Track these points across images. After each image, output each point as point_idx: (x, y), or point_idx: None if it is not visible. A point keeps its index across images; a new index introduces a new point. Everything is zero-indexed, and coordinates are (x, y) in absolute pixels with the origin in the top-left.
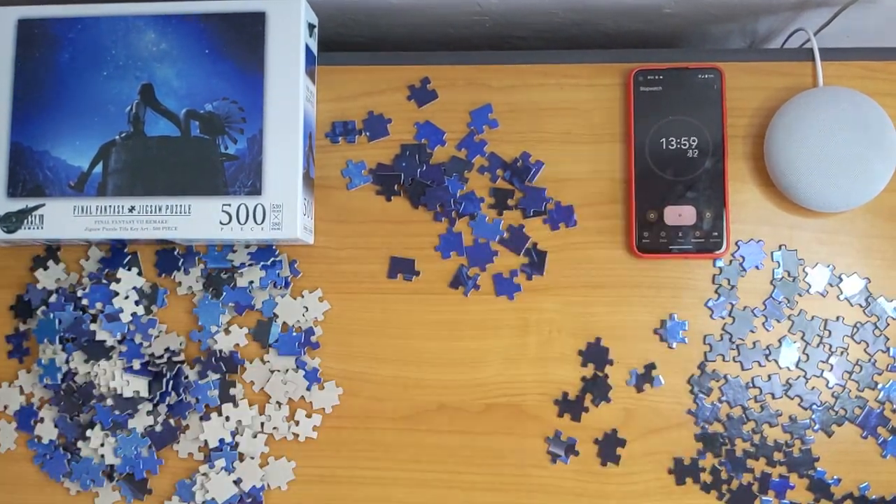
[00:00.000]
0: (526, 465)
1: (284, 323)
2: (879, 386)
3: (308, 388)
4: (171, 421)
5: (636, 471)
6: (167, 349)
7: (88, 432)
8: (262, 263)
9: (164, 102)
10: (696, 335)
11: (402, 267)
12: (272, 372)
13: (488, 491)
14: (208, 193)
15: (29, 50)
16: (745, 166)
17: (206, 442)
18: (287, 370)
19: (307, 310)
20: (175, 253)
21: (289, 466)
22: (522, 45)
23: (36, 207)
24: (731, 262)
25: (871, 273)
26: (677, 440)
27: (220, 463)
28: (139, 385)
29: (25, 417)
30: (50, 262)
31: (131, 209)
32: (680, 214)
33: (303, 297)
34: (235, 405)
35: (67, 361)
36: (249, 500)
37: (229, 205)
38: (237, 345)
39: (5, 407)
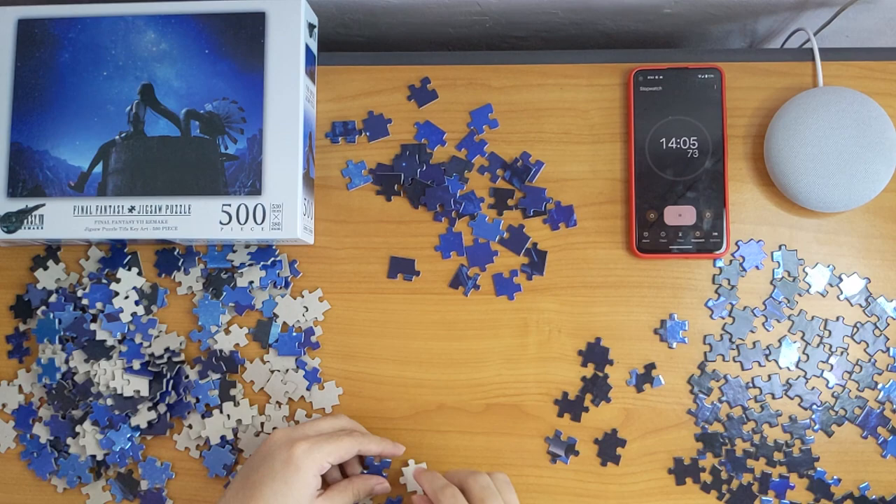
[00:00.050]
0: (526, 465)
1: (284, 323)
2: (879, 386)
3: (308, 388)
4: (169, 419)
5: (636, 471)
6: (167, 349)
7: (78, 428)
8: (262, 263)
9: (164, 102)
10: (696, 335)
11: (402, 267)
12: (272, 372)
13: None
14: (208, 193)
15: (29, 50)
16: (745, 166)
17: (207, 440)
18: (287, 370)
19: (307, 310)
20: (175, 253)
21: None
22: (522, 45)
23: (36, 207)
24: (731, 262)
25: (871, 273)
26: (677, 440)
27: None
28: (139, 385)
29: (24, 417)
30: (50, 262)
31: (131, 209)
32: (680, 214)
33: (303, 297)
34: (236, 405)
35: (67, 361)
36: None
37: (229, 205)
38: (237, 345)
39: (3, 406)
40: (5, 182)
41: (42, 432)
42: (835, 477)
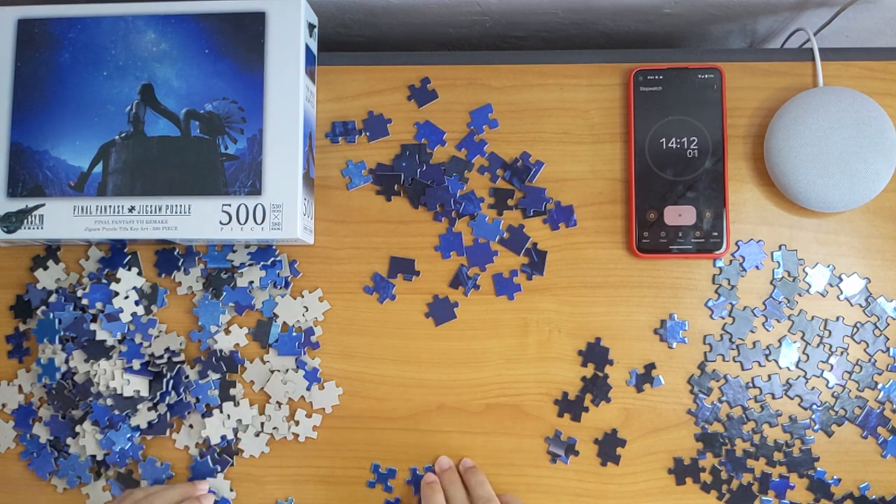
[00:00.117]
0: (526, 465)
1: (284, 323)
2: (879, 386)
3: (308, 388)
4: (169, 419)
5: (636, 471)
6: (167, 349)
7: (78, 428)
8: (262, 263)
9: (164, 102)
10: (696, 335)
11: (402, 267)
12: (272, 372)
13: None
14: (208, 193)
15: (29, 50)
16: (745, 166)
17: (207, 439)
18: (287, 370)
19: (307, 310)
20: (175, 253)
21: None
22: (522, 45)
23: (36, 207)
24: (731, 262)
25: (871, 273)
26: (677, 440)
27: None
28: (139, 385)
29: (24, 417)
30: (50, 262)
31: (131, 209)
32: (680, 214)
33: (303, 297)
34: (236, 405)
35: (67, 361)
36: None
37: (229, 205)
38: (237, 345)
39: (3, 406)
40: (5, 182)
41: (42, 432)
42: (835, 477)
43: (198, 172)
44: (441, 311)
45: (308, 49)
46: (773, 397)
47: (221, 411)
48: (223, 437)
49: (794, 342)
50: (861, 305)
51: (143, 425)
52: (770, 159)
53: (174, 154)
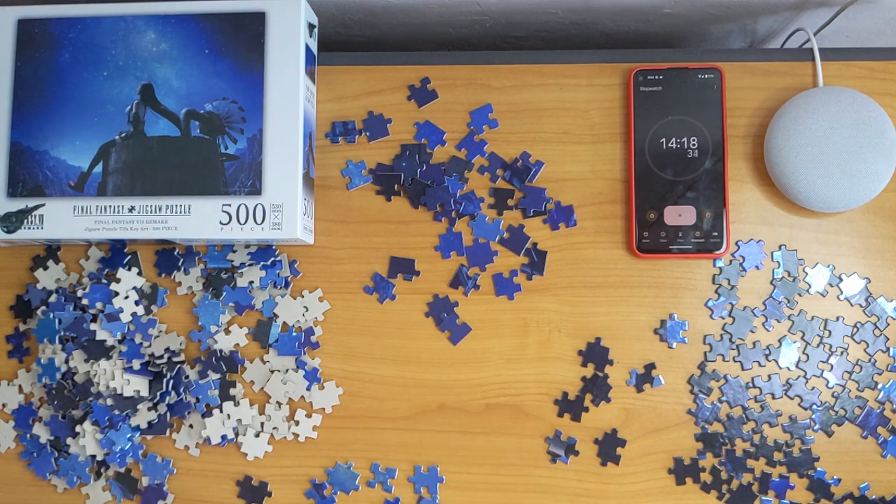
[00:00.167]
0: (526, 465)
1: (284, 323)
2: (879, 386)
3: (308, 388)
4: (169, 419)
5: (636, 471)
6: (167, 349)
7: (78, 428)
8: (262, 263)
9: (164, 102)
10: (696, 335)
11: (402, 267)
12: (272, 372)
13: (488, 491)
14: (208, 193)
15: (29, 50)
16: (745, 166)
17: (207, 439)
18: (287, 370)
19: (307, 310)
20: (175, 253)
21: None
22: (522, 45)
23: (36, 207)
24: (731, 262)
25: (871, 273)
26: (677, 440)
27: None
28: (139, 385)
29: (24, 417)
30: (50, 262)
31: (131, 209)
32: (680, 214)
33: (303, 297)
34: (236, 404)
35: (67, 361)
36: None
37: (229, 205)
38: (237, 344)
39: (3, 406)
40: (5, 182)
41: (42, 432)
42: (835, 477)
43: (198, 172)
44: (441, 311)
45: (308, 49)
46: (773, 397)
47: (221, 411)
48: (223, 437)
49: (794, 342)
50: (861, 305)
51: (143, 425)
52: (770, 159)
53: (174, 154)
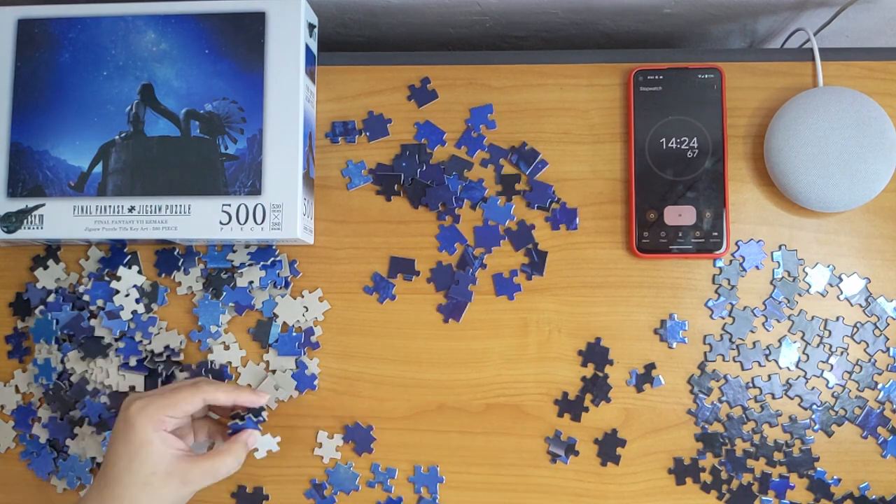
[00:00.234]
0: (526, 465)
1: (284, 323)
2: (879, 386)
3: (300, 391)
4: None
5: (636, 471)
6: (167, 346)
7: (77, 430)
8: (262, 263)
9: (164, 102)
10: (696, 335)
11: (402, 267)
12: (266, 373)
13: (488, 491)
14: (208, 193)
15: (29, 50)
16: (745, 166)
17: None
18: (286, 370)
19: (307, 310)
20: (175, 253)
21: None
22: (522, 45)
23: (36, 207)
24: (731, 262)
25: (871, 273)
26: (677, 440)
27: None
28: (135, 381)
29: (23, 417)
30: (50, 262)
31: (131, 209)
32: (680, 214)
33: (303, 297)
34: None
35: (63, 361)
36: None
37: (229, 205)
38: (230, 362)
39: (2, 406)
40: (5, 182)
41: (42, 433)
42: (835, 477)
43: (198, 172)
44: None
45: (308, 49)
46: (773, 397)
47: None
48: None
49: (794, 342)
50: (861, 305)
51: None
52: (770, 159)
53: (174, 154)
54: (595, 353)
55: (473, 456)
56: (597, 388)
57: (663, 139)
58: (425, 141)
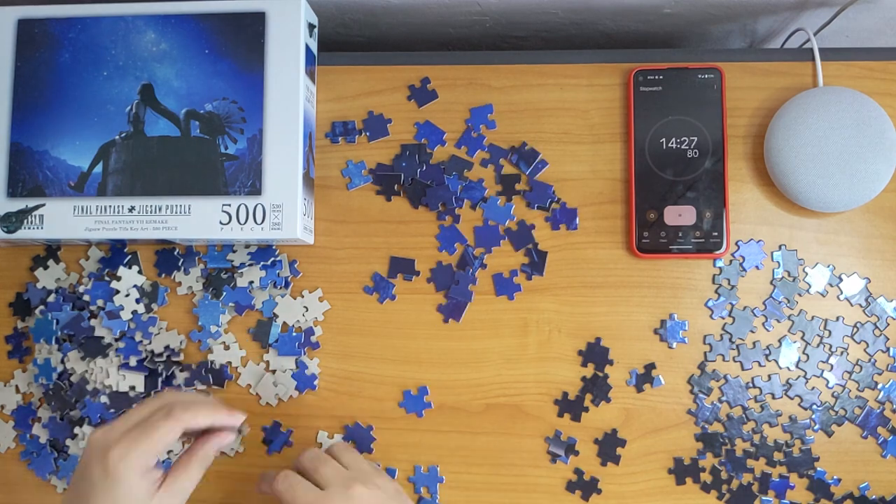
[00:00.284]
0: (526, 465)
1: (284, 323)
2: (879, 386)
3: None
4: None
5: (636, 471)
6: (167, 346)
7: (77, 430)
8: (262, 263)
9: (164, 102)
10: (696, 335)
11: (402, 267)
12: (264, 373)
13: (488, 491)
14: (208, 193)
15: (29, 50)
16: (745, 166)
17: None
18: (286, 370)
19: (307, 310)
20: (175, 253)
21: None
22: (522, 45)
23: (36, 207)
24: (731, 262)
25: (871, 273)
26: (677, 440)
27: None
28: (135, 381)
29: (23, 417)
30: (50, 262)
31: (131, 209)
32: (680, 214)
33: (303, 297)
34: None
35: (63, 361)
36: None
37: (229, 205)
38: (229, 362)
39: (2, 406)
40: (5, 182)
41: (42, 433)
42: (835, 477)
43: (198, 172)
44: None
45: (308, 49)
46: (773, 397)
47: None
48: None
49: (794, 342)
50: (861, 305)
51: None
52: (770, 159)
53: (174, 154)
54: (595, 353)
55: (473, 456)
56: (597, 388)
57: (663, 139)
58: (425, 141)
